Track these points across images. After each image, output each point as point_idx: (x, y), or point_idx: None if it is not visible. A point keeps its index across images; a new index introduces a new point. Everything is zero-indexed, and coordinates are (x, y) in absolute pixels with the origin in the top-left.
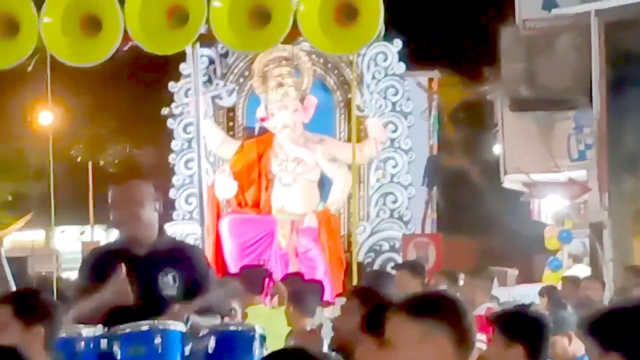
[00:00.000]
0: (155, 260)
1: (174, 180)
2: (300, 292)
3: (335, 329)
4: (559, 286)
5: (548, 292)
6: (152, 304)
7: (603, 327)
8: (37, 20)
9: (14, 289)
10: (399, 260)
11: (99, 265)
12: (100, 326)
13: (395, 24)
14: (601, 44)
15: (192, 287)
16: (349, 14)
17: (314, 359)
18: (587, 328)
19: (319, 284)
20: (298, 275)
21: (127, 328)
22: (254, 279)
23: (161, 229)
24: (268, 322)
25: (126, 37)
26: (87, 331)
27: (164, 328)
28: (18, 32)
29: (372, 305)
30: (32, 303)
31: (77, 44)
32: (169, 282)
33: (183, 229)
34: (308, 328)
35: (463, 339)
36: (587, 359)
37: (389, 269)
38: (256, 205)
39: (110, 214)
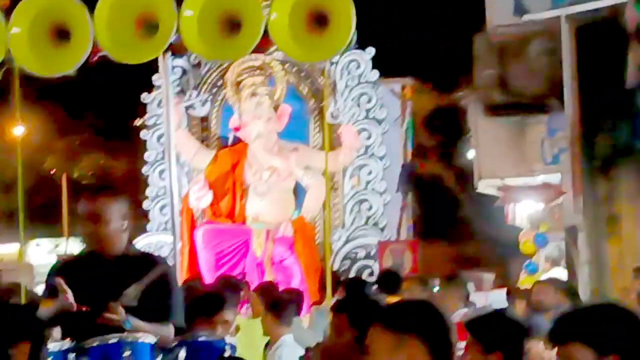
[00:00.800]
0: (121, 271)
1: (148, 191)
2: (278, 301)
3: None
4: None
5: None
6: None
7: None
8: (6, 31)
9: None
10: (375, 267)
11: (62, 276)
12: (67, 340)
13: (367, 32)
14: (572, 48)
15: (153, 301)
16: (321, 22)
17: None
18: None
19: (298, 293)
20: (271, 284)
21: (95, 341)
22: (230, 290)
23: (129, 242)
24: (245, 332)
25: (96, 48)
26: (55, 345)
27: (132, 340)
28: None
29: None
30: (17, 319)
31: (45, 55)
32: (130, 295)
33: (158, 240)
34: (286, 338)
35: (440, 350)
36: None
37: (365, 276)
38: (231, 215)
39: (81, 225)
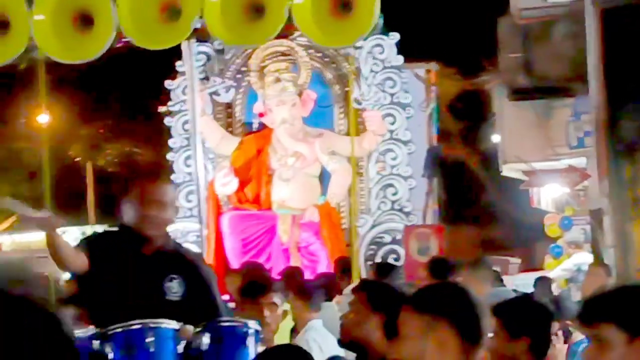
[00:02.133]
0: (161, 263)
1: (173, 178)
2: (306, 286)
3: (344, 325)
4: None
5: (540, 281)
6: (155, 306)
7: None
8: (29, 18)
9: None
10: (401, 252)
11: (101, 246)
12: (92, 327)
13: (391, 16)
14: (597, 31)
15: (195, 295)
16: (345, 6)
17: (307, 358)
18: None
19: (330, 277)
20: (296, 269)
21: (118, 328)
22: (256, 275)
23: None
24: None
25: (120, 34)
26: (78, 332)
27: (155, 326)
28: (9, 29)
29: (380, 300)
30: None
31: (69, 41)
32: (172, 288)
33: (184, 227)
34: (314, 322)
35: (470, 332)
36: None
37: (391, 260)
38: (256, 201)
39: (132, 211)
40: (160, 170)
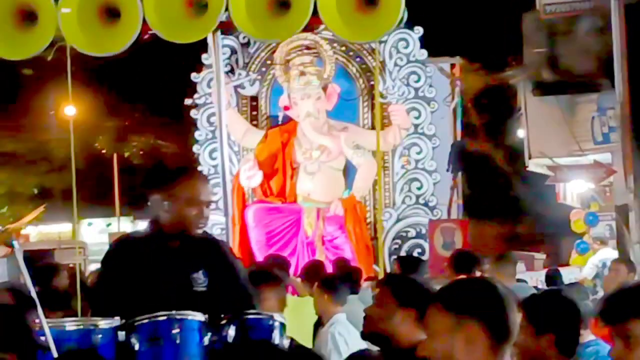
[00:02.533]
0: (188, 255)
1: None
2: (331, 280)
3: (367, 317)
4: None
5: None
6: (185, 299)
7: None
8: (56, 10)
9: (29, 283)
10: (426, 246)
11: (129, 253)
12: (117, 318)
13: (416, 10)
14: (622, 26)
15: (222, 284)
16: (370, 1)
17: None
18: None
19: (355, 270)
20: (319, 263)
21: (144, 319)
22: (279, 268)
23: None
24: (295, 311)
25: (145, 27)
26: (104, 323)
27: (181, 318)
28: (37, 21)
29: (405, 294)
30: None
31: (95, 34)
32: (199, 278)
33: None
34: (339, 316)
35: (498, 329)
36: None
37: (415, 254)
38: (281, 193)
39: (169, 209)
40: (193, 166)
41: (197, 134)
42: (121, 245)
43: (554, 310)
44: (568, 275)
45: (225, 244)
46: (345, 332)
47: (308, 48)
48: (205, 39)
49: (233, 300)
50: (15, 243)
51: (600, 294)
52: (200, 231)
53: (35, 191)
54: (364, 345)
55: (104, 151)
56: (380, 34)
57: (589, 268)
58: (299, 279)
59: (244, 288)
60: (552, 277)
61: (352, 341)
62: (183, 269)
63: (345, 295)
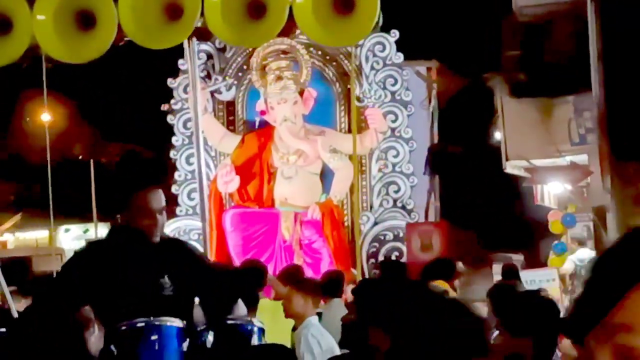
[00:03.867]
0: (156, 260)
1: (176, 175)
2: (307, 284)
3: (343, 326)
4: None
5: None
6: (154, 304)
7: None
8: (31, 18)
9: (6, 292)
10: (404, 249)
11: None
12: (95, 326)
13: (392, 14)
14: (597, 28)
15: (187, 288)
16: (346, 6)
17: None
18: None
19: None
20: (296, 268)
21: (122, 326)
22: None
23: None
24: (273, 315)
25: (121, 33)
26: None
27: (159, 324)
28: (11, 30)
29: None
30: None
31: (71, 42)
32: (166, 283)
33: (186, 224)
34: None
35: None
36: None
37: (393, 257)
38: (258, 198)
39: (128, 217)
40: (153, 173)
41: (173, 140)
42: (85, 254)
43: (531, 314)
44: (545, 276)
45: (189, 247)
46: (319, 334)
47: (284, 52)
48: (181, 45)
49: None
50: None
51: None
52: (157, 239)
53: (12, 197)
54: (336, 348)
55: (80, 157)
56: (356, 38)
57: (569, 263)
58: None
59: (215, 285)
60: (509, 273)
61: (326, 344)
62: (152, 275)
63: (319, 299)
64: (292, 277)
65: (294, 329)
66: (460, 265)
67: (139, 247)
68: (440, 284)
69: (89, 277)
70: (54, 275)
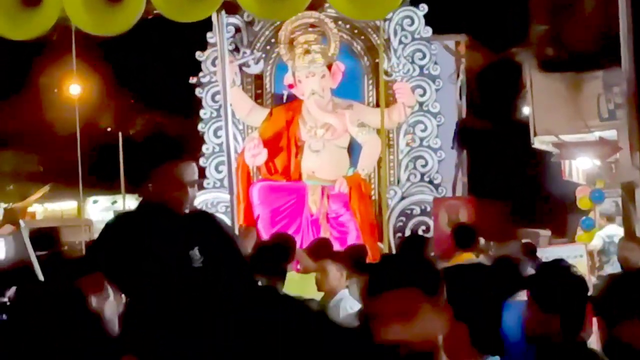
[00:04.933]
0: (183, 233)
1: (204, 148)
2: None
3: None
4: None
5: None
6: (184, 277)
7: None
8: None
9: (34, 260)
10: (431, 223)
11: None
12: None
13: None
14: (628, 1)
15: (216, 260)
16: None
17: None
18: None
19: (361, 248)
20: (325, 241)
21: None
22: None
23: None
24: (301, 288)
25: (149, 6)
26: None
27: None
28: (41, 2)
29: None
30: None
31: (100, 14)
32: (195, 255)
33: (214, 197)
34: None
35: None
36: None
37: (420, 232)
38: (286, 172)
39: (158, 188)
40: (181, 147)
41: (201, 113)
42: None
43: (561, 290)
44: (573, 252)
45: (216, 217)
46: (356, 306)
47: (312, 26)
48: (209, 18)
49: (231, 275)
50: (21, 222)
51: (607, 270)
52: (186, 211)
53: (41, 169)
54: None
55: (109, 129)
56: (385, 12)
57: (597, 239)
58: (304, 253)
59: (243, 262)
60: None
61: None
62: (180, 247)
63: (350, 273)
64: (325, 250)
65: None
66: (481, 240)
67: (167, 220)
68: (467, 257)
69: (119, 251)
70: (82, 245)
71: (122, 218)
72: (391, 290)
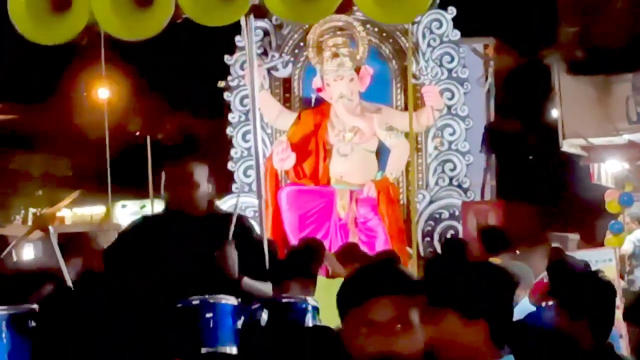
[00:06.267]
0: (206, 230)
1: (232, 152)
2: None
3: None
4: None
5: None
6: (207, 279)
7: None
8: None
9: (63, 265)
10: (459, 228)
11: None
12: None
13: None
14: None
15: (244, 261)
16: None
17: None
18: None
19: (390, 253)
20: (354, 245)
21: (178, 304)
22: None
23: (211, 204)
24: (328, 293)
25: (178, 10)
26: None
27: (214, 302)
28: (70, 7)
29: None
30: None
31: (128, 19)
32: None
33: (242, 201)
34: None
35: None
36: None
37: (449, 236)
38: (314, 176)
39: (163, 192)
40: (183, 148)
41: (230, 117)
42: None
43: (588, 295)
44: (602, 255)
45: (245, 220)
46: None
47: (341, 29)
48: (238, 21)
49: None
50: (50, 228)
51: (637, 274)
52: (199, 212)
53: (70, 173)
54: None
55: (137, 133)
56: (413, 15)
57: (628, 243)
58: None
59: (263, 266)
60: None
61: None
62: (208, 247)
63: None
64: (354, 254)
65: None
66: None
67: (181, 223)
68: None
69: (141, 253)
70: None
71: (146, 220)
72: (380, 296)
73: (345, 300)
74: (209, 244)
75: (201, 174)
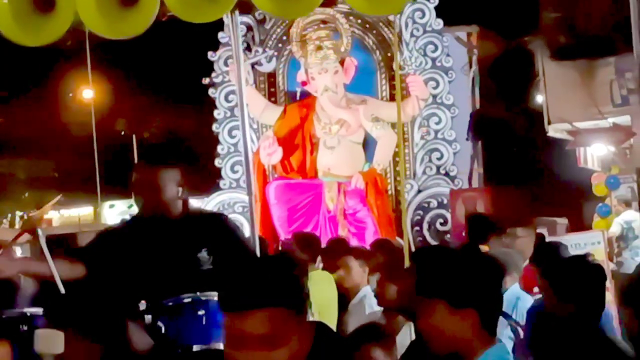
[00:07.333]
0: (183, 235)
1: (219, 149)
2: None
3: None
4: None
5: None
6: (193, 280)
7: None
8: None
9: (53, 268)
10: (448, 216)
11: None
12: (143, 302)
13: None
14: None
15: (227, 261)
16: None
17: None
18: None
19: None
20: (341, 240)
21: (169, 302)
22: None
23: (185, 204)
24: (319, 284)
25: (163, 8)
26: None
27: (206, 299)
28: (55, 7)
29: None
30: None
31: (113, 18)
32: (204, 258)
33: (230, 197)
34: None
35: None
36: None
37: (438, 225)
38: (302, 169)
39: (134, 197)
40: (173, 147)
41: (215, 113)
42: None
43: (577, 279)
44: (591, 239)
45: (228, 220)
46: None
47: (324, 22)
48: (220, 18)
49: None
50: (38, 230)
51: (625, 256)
52: (175, 214)
53: (56, 175)
54: None
55: (122, 133)
56: (400, 6)
57: (616, 225)
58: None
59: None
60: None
61: None
62: (187, 250)
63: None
64: (343, 246)
65: (345, 300)
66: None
67: (153, 226)
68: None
69: (121, 254)
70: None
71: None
72: (256, 309)
73: (224, 304)
74: (183, 246)
75: (167, 178)
